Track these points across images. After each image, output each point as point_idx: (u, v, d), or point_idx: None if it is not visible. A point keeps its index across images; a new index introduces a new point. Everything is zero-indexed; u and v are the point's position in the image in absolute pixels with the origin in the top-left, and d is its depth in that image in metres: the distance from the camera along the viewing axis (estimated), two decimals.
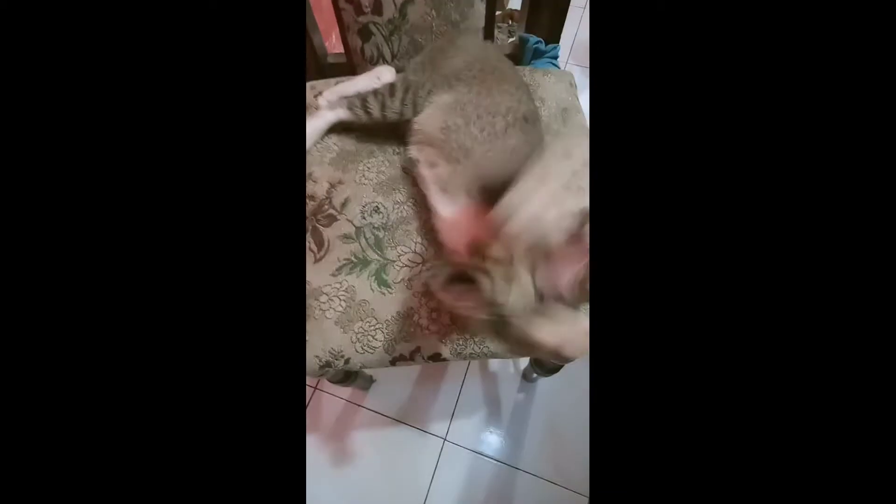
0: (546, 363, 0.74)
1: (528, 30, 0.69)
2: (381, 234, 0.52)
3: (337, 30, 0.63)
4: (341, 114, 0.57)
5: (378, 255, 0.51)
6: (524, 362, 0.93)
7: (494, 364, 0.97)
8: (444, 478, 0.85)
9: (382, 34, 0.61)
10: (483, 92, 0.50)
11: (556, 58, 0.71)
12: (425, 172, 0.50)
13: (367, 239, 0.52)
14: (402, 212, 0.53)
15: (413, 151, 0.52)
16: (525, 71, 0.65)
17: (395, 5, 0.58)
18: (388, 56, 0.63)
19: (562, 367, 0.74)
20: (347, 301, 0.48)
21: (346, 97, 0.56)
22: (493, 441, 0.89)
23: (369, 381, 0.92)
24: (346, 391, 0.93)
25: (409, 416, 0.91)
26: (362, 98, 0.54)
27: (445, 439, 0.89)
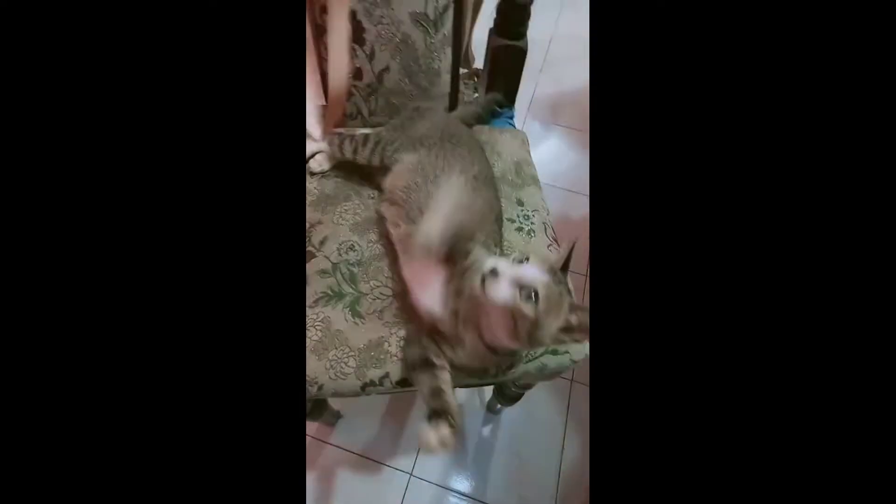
0: (507, 392, 0.79)
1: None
2: (355, 270, 0.57)
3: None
4: (323, 146, 0.66)
5: (352, 288, 0.56)
6: (489, 394, 0.97)
7: (460, 397, 1.00)
8: None
9: (361, 95, 0.69)
10: (441, 155, 0.58)
11: (511, 118, 0.82)
12: (392, 230, 0.57)
13: (342, 274, 0.57)
14: (375, 250, 0.59)
15: (383, 208, 0.59)
16: (485, 129, 0.74)
17: (373, 73, 0.67)
18: (366, 113, 0.72)
19: (522, 395, 0.79)
20: (323, 331, 0.53)
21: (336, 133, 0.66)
22: (459, 475, 0.91)
23: (335, 417, 0.93)
24: (311, 427, 0.93)
25: (374, 452, 0.91)
26: (342, 138, 0.64)
27: (411, 474, 0.90)
